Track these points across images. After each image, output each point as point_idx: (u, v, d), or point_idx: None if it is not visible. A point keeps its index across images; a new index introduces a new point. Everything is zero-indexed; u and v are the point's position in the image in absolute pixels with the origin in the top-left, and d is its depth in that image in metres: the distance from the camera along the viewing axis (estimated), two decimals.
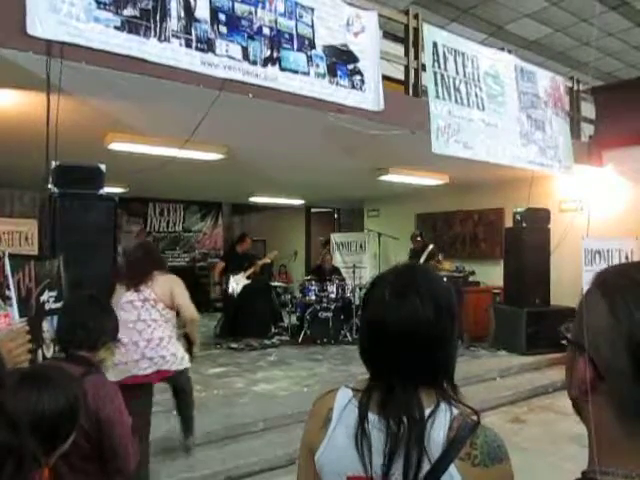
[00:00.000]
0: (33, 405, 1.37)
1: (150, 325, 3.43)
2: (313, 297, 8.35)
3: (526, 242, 7.48)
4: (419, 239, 8.61)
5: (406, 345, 1.06)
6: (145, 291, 3.46)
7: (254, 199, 11.35)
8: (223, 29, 4.12)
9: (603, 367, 0.67)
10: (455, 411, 1.06)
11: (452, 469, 1.01)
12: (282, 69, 4.41)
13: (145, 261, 3.64)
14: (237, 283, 8.09)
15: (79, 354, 1.97)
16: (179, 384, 3.68)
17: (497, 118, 5.98)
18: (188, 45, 3.93)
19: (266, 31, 4.36)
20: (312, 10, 4.63)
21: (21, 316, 2.41)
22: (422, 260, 8.03)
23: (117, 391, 1.96)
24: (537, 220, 7.59)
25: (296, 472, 1.22)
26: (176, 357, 3.52)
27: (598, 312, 0.69)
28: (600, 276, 0.73)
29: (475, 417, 1.07)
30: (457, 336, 1.15)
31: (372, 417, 1.06)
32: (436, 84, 5.41)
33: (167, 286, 3.52)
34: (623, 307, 0.66)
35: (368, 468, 1.04)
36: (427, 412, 1.04)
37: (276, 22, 4.42)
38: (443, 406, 1.06)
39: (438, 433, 1.03)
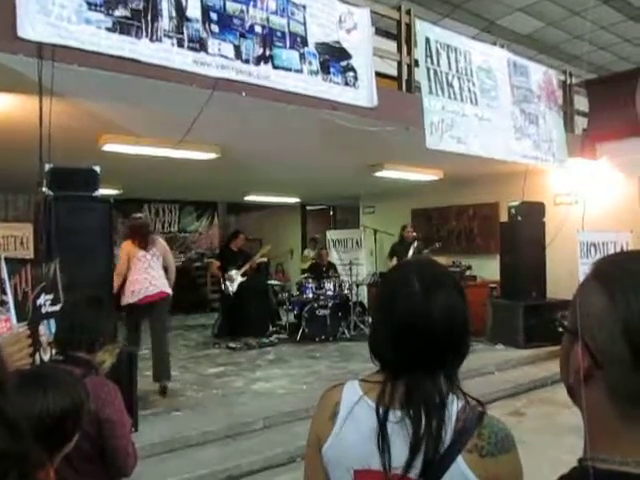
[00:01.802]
0: (39, 405, 1.37)
1: (155, 269, 5.49)
2: (310, 295, 8.35)
3: (521, 236, 7.50)
4: (410, 230, 8.62)
5: (441, 335, 1.06)
6: (153, 249, 5.53)
7: (249, 198, 11.33)
8: (215, 28, 4.11)
9: (600, 355, 0.67)
10: (462, 402, 1.07)
11: (460, 461, 1.01)
12: (275, 67, 4.40)
13: (147, 230, 5.91)
14: (232, 281, 8.06)
15: (78, 356, 1.96)
16: (165, 305, 5.57)
17: (490, 113, 5.99)
18: (180, 45, 3.92)
19: (258, 29, 4.35)
20: (304, 7, 4.62)
21: (18, 320, 2.40)
22: (410, 254, 8.08)
23: (117, 392, 1.96)
24: (532, 214, 7.61)
25: (297, 469, 1.23)
26: (167, 285, 5.59)
27: (595, 300, 0.69)
28: (597, 265, 0.73)
29: (481, 408, 1.07)
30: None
31: (392, 412, 1.06)
32: (429, 80, 5.41)
33: (163, 248, 5.74)
34: (620, 295, 0.67)
35: (386, 463, 1.03)
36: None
37: (268, 20, 4.41)
38: (451, 397, 1.06)
39: (447, 424, 1.03)
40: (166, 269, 5.68)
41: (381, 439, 1.04)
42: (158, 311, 5.46)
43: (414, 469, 1.02)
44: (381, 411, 1.06)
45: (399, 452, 1.03)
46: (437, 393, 1.05)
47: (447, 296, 1.09)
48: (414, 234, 8.62)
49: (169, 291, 5.56)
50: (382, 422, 1.05)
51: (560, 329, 0.76)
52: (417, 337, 1.06)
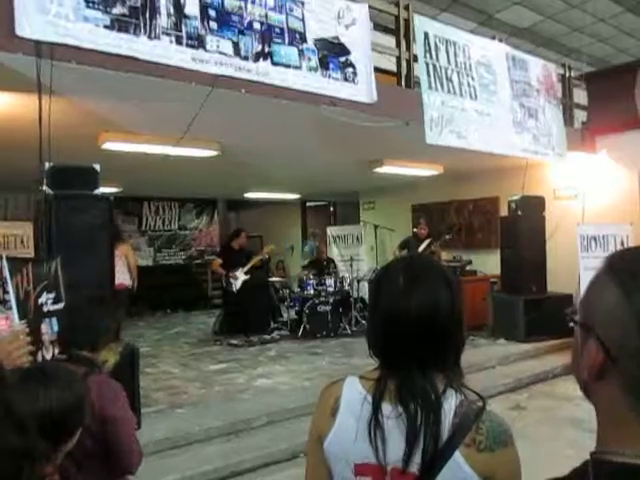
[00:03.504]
0: (40, 401, 1.38)
1: (121, 266, 6.61)
2: (311, 291, 8.36)
3: (522, 230, 7.49)
4: (422, 227, 8.59)
5: (426, 330, 1.07)
6: (116, 251, 6.03)
7: (249, 195, 11.33)
8: (213, 25, 4.10)
9: (614, 349, 0.67)
10: (460, 397, 1.07)
11: (457, 455, 1.02)
12: (274, 64, 4.39)
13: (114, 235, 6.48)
14: (236, 279, 8.10)
15: (81, 354, 1.97)
16: (121, 295, 6.54)
17: (490, 107, 5.98)
18: (179, 42, 3.91)
19: (257, 26, 4.34)
20: (302, 3, 4.61)
21: (20, 319, 2.41)
22: (421, 249, 8.09)
23: (121, 390, 1.97)
24: (532, 208, 7.60)
25: (300, 465, 1.23)
26: (127, 279, 6.96)
27: (608, 294, 0.69)
28: (610, 260, 0.73)
29: (480, 403, 1.07)
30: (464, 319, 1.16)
31: (387, 407, 1.07)
32: (428, 75, 5.40)
33: (124, 250, 7.00)
34: (634, 288, 0.66)
35: (382, 458, 1.05)
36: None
37: (266, 16, 4.40)
38: (449, 392, 1.07)
39: (444, 419, 1.04)
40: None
41: (374, 432, 1.05)
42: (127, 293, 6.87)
43: (414, 464, 1.03)
44: (375, 405, 1.07)
45: (398, 447, 1.04)
46: (431, 388, 1.05)
47: (431, 291, 1.09)
48: (423, 231, 8.56)
49: (127, 283, 6.97)
50: (375, 415, 1.06)
51: (571, 324, 0.75)
52: (401, 331, 1.07)
